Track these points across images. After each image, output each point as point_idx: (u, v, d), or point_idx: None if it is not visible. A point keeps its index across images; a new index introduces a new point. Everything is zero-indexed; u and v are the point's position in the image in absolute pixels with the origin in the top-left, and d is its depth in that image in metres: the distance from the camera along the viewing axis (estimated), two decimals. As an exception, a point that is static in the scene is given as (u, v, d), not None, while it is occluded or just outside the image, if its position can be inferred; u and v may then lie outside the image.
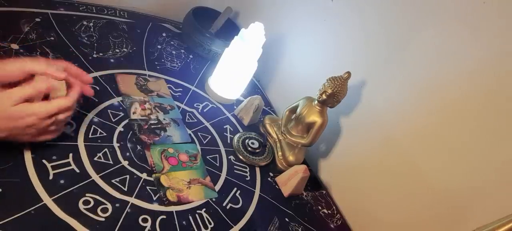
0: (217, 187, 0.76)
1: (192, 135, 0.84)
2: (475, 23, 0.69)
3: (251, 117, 0.96)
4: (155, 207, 0.65)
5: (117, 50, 0.91)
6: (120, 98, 0.80)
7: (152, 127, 0.79)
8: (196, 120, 0.89)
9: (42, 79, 0.55)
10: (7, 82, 0.55)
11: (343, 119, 0.94)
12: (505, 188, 0.65)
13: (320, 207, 0.88)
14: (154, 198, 0.66)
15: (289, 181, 0.83)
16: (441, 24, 0.74)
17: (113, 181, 0.65)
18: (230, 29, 1.15)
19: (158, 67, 0.95)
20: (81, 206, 0.58)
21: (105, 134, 0.71)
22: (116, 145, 0.70)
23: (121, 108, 0.78)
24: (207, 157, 0.81)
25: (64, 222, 0.55)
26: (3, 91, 0.52)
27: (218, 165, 0.81)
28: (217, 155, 0.84)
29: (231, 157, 0.86)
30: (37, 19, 0.84)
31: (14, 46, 0.74)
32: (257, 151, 0.89)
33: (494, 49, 0.66)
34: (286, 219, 0.79)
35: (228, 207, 0.74)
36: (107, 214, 0.60)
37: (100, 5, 1.02)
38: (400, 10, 0.82)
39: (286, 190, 0.85)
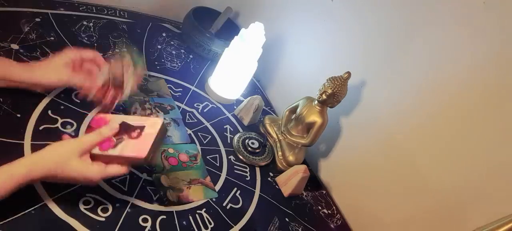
0: (217, 187, 0.76)
1: (192, 135, 0.84)
2: (475, 24, 0.69)
3: (251, 117, 0.96)
4: (155, 207, 0.65)
5: (117, 50, 0.91)
6: (120, 98, 0.80)
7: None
8: (196, 120, 0.89)
9: (109, 126, 0.58)
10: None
11: (343, 119, 0.94)
12: (505, 188, 0.65)
13: (320, 207, 0.88)
14: (154, 198, 0.66)
15: (289, 181, 0.84)
16: (441, 24, 0.74)
17: (113, 181, 0.64)
18: (230, 29, 1.15)
19: (158, 67, 0.95)
20: (81, 206, 0.58)
21: (105, 134, 0.71)
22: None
23: (121, 108, 0.78)
24: (207, 157, 0.81)
25: (64, 222, 0.56)
26: (72, 141, 0.55)
27: (218, 165, 0.81)
28: (217, 155, 0.84)
29: (231, 157, 0.86)
30: (37, 19, 0.84)
31: (14, 46, 0.74)
32: (257, 151, 0.89)
33: (494, 49, 0.66)
34: (286, 219, 0.79)
35: (228, 207, 0.74)
36: (107, 214, 0.60)
37: (100, 5, 1.02)
38: (400, 10, 0.82)
39: (286, 190, 0.85)
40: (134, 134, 0.58)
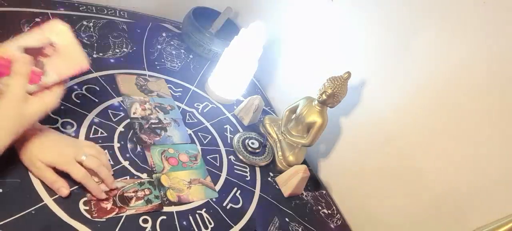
0: (217, 187, 0.76)
1: (192, 135, 0.84)
2: (476, 24, 0.69)
3: (251, 117, 0.96)
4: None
5: (117, 50, 0.91)
6: (120, 99, 0.80)
7: (153, 126, 0.79)
8: (196, 120, 0.89)
9: (21, 62, 0.53)
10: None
11: (343, 119, 0.94)
12: (505, 188, 0.66)
13: (320, 207, 0.88)
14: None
15: (289, 181, 0.84)
16: (442, 24, 0.74)
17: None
18: (230, 29, 1.15)
19: (158, 67, 0.95)
20: (82, 206, 0.58)
21: (105, 134, 0.71)
22: (116, 145, 0.70)
23: (121, 108, 0.78)
24: (207, 157, 0.81)
25: (65, 222, 0.55)
26: (6, 98, 0.52)
27: (218, 165, 0.81)
28: (217, 155, 0.84)
29: (231, 157, 0.86)
30: (37, 19, 0.83)
31: (14, 46, 0.74)
32: (257, 151, 0.89)
33: (495, 49, 0.66)
34: (286, 219, 0.79)
35: (228, 207, 0.74)
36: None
37: (100, 5, 1.01)
38: (400, 10, 0.82)
39: (286, 190, 0.85)
40: (49, 51, 0.55)
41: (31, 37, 0.55)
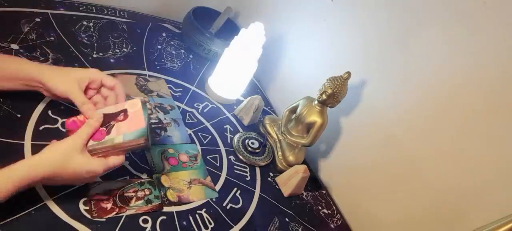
0: (217, 187, 0.76)
1: (192, 135, 0.84)
2: (475, 24, 0.69)
3: (251, 117, 0.96)
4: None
5: (117, 50, 0.91)
6: (120, 99, 0.80)
7: (153, 126, 0.79)
8: (196, 120, 0.89)
9: (93, 116, 0.58)
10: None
11: (343, 119, 0.94)
12: (505, 188, 0.66)
13: (320, 207, 0.88)
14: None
15: (289, 181, 0.84)
16: (442, 24, 0.74)
17: (113, 181, 0.65)
18: (230, 29, 1.15)
19: (158, 67, 0.95)
20: (82, 206, 0.58)
21: (105, 134, 0.71)
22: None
23: (121, 108, 0.78)
24: (207, 157, 0.81)
25: (65, 222, 0.55)
26: (69, 138, 0.54)
27: (218, 165, 0.81)
28: (217, 155, 0.84)
29: (231, 157, 0.86)
30: (37, 19, 0.83)
31: (14, 46, 0.74)
32: (257, 151, 0.89)
33: (495, 49, 0.66)
34: (286, 219, 0.79)
35: (228, 207, 0.74)
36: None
37: (100, 5, 1.01)
38: (400, 10, 0.82)
39: (286, 190, 0.85)
40: (120, 117, 0.60)
41: (110, 108, 0.61)
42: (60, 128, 0.67)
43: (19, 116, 0.64)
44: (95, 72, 0.64)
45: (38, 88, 0.62)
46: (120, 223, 0.59)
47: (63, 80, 0.61)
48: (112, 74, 0.84)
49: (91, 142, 0.56)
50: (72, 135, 0.55)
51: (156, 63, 0.96)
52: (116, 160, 0.57)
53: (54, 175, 0.51)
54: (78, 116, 0.60)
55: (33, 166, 0.49)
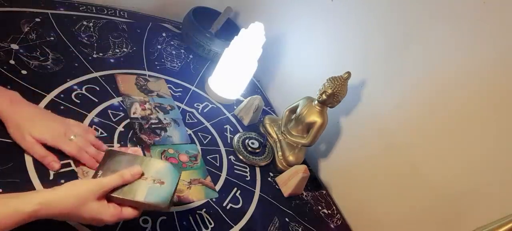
0: (217, 187, 0.76)
1: (192, 135, 0.84)
2: (475, 24, 0.69)
3: (251, 117, 0.96)
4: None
5: (117, 50, 0.91)
6: (120, 99, 0.80)
7: (153, 126, 0.79)
8: (196, 120, 0.89)
9: (131, 169, 0.56)
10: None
11: (343, 119, 0.94)
12: (505, 188, 0.66)
13: (320, 207, 0.88)
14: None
15: (289, 181, 0.84)
16: (441, 24, 0.74)
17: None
18: (230, 29, 1.15)
19: (158, 67, 0.95)
20: (82, 206, 0.58)
21: (105, 134, 0.71)
22: (116, 145, 0.70)
23: (121, 108, 0.78)
24: (207, 157, 0.81)
25: (65, 222, 0.55)
26: (93, 182, 0.52)
27: (218, 165, 0.81)
28: (217, 155, 0.84)
29: (231, 157, 0.86)
30: (37, 19, 0.83)
31: (14, 46, 0.74)
32: (257, 151, 0.89)
33: (495, 49, 0.66)
34: (286, 219, 0.79)
35: (228, 207, 0.74)
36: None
37: (100, 5, 1.02)
38: (400, 10, 0.82)
39: (286, 190, 0.85)
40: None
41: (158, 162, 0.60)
42: (60, 128, 0.67)
43: (19, 116, 0.64)
44: (51, 136, 0.59)
45: None
46: (120, 223, 0.59)
47: (16, 129, 0.57)
48: (112, 74, 0.84)
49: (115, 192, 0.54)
50: (97, 180, 0.53)
51: (156, 63, 0.96)
52: (130, 213, 0.54)
53: (63, 217, 0.49)
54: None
55: (45, 204, 0.45)
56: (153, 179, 0.57)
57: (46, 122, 0.60)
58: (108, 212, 0.51)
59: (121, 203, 0.54)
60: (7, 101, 0.58)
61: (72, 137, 0.61)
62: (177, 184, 0.58)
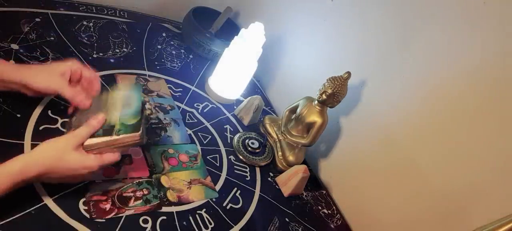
0: (217, 187, 0.76)
1: (192, 135, 0.84)
2: (475, 24, 0.69)
3: (251, 117, 0.96)
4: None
5: (117, 50, 0.91)
6: (120, 99, 0.80)
7: (153, 126, 0.78)
8: (196, 120, 0.89)
9: (95, 117, 0.58)
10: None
11: (343, 119, 0.94)
12: (505, 188, 0.65)
13: (320, 207, 0.88)
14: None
15: (289, 181, 0.84)
16: (441, 25, 0.74)
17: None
18: (230, 29, 1.15)
19: (158, 67, 0.95)
20: (81, 206, 0.58)
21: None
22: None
23: (121, 108, 0.78)
24: (207, 157, 0.81)
25: (65, 222, 0.55)
26: (65, 135, 0.55)
27: (218, 165, 0.81)
28: (217, 155, 0.84)
29: (231, 157, 0.86)
30: (37, 19, 0.84)
31: (14, 46, 0.74)
32: (257, 151, 0.89)
33: (494, 49, 0.66)
34: (286, 219, 0.79)
35: (228, 207, 0.74)
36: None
37: (100, 5, 1.02)
38: (400, 10, 0.82)
39: (286, 190, 0.85)
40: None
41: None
42: (60, 127, 0.67)
43: (19, 116, 0.64)
44: (75, 64, 0.64)
45: (17, 89, 0.61)
46: (120, 223, 0.59)
47: (46, 78, 0.61)
48: (112, 74, 0.84)
49: (88, 140, 0.56)
50: (69, 133, 0.56)
51: (156, 63, 0.96)
52: (111, 156, 0.57)
53: (50, 170, 0.51)
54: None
55: (28, 161, 0.50)
56: (120, 114, 0.60)
57: (59, 62, 0.65)
58: (90, 158, 0.55)
59: (98, 150, 0.56)
60: (12, 65, 0.63)
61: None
62: (142, 107, 0.61)
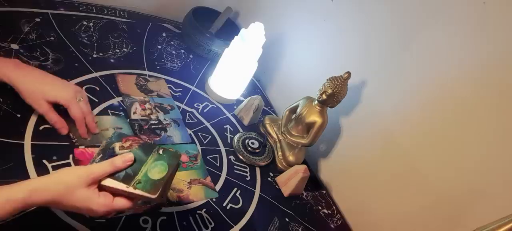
0: (217, 187, 0.76)
1: (192, 135, 0.84)
2: (475, 24, 0.69)
3: (251, 117, 0.96)
4: (155, 207, 0.65)
5: (117, 50, 0.91)
6: (120, 98, 0.80)
7: (153, 127, 0.79)
8: (196, 120, 0.89)
9: (123, 156, 0.53)
10: None
11: (343, 119, 0.94)
12: (505, 188, 0.66)
13: (320, 207, 0.88)
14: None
15: (289, 181, 0.84)
16: (442, 25, 0.74)
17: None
18: (230, 29, 1.15)
19: (158, 67, 0.95)
20: (82, 206, 0.58)
21: (105, 134, 0.71)
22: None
23: (121, 108, 0.78)
24: (207, 157, 0.81)
25: (65, 222, 0.55)
26: (83, 169, 0.50)
27: (218, 165, 0.81)
28: (217, 155, 0.84)
29: (231, 157, 0.86)
30: (37, 19, 0.83)
31: (14, 46, 0.74)
32: (257, 151, 0.89)
33: (495, 49, 0.66)
34: (286, 219, 0.79)
35: (228, 207, 0.74)
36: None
37: (100, 5, 1.02)
38: (400, 10, 0.82)
39: (286, 190, 0.85)
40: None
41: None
42: (60, 128, 0.67)
43: (19, 116, 0.64)
44: (64, 95, 0.64)
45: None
46: (120, 223, 0.59)
47: (34, 99, 0.63)
48: (112, 74, 0.84)
49: (106, 180, 0.52)
50: (87, 167, 0.51)
51: (156, 63, 0.96)
52: (122, 204, 0.52)
53: (54, 203, 0.48)
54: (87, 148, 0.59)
55: (34, 190, 0.46)
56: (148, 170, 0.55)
57: (57, 82, 0.66)
58: (98, 201, 0.49)
59: (113, 192, 0.52)
60: (11, 66, 0.62)
61: (80, 99, 0.67)
62: (171, 174, 0.55)
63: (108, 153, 0.55)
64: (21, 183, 0.46)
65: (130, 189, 0.51)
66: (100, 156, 0.54)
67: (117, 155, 0.55)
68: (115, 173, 0.52)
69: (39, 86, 0.63)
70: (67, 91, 0.65)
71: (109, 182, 0.51)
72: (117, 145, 0.56)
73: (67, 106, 0.65)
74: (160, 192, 0.52)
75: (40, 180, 0.48)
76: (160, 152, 0.57)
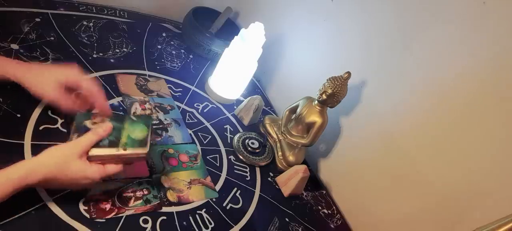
0: (217, 187, 0.76)
1: (192, 135, 0.84)
2: (476, 24, 0.69)
3: (251, 117, 0.96)
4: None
5: (117, 50, 0.91)
6: (120, 98, 0.80)
7: (154, 127, 0.78)
8: (196, 120, 0.89)
9: (102, 125, 0.57)
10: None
11: (343, 119, 0.94)
12: (505, 188, 0.65)
13: (320, 207, 0.88)
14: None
15: (289, 181, 0.84)
16: (441, 24, 0.74)
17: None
18: (230, 29, 1.15)
19: (158, 67, 0.95)
20: (82, 207, 0.58)
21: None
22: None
23: (121, 108, 0.78)
24: (207, 157, 0.81)
25: (65, 222, 0.55)
26: (70, 143, 0.54)
27: (218, 165, 0.81)
28: (217, 155, 0.84)
29: (231, 157, 0.86)
30: (37, 19, 0.83)
31: (14, 46, 0.74)
32: (257, 151, 0.89)
33: (495, 49, 0.66)
34: (286, 219, 0.79)
35: (228, 207, 0.74)
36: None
37: (100, 5, 1.02)
38: (400, 10, 0.82)
39: (286, 190, 0.85)
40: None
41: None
42: (60, 128, 0.67)
43: (19, 116, 0.64)
44: (73, 72, 0.64)
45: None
46: (120, 223, 0.59)
47: (42, 85, 0.62)
48: (112, 74, 0.84)
49: (92, 150, 0.55)
50: (74, 140, 0.54)
51: (156, 63, 0.96)
52: (114, 168, 0.56)
53: (51, 178, 0.51)
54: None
55: (31, 168, 0.49)
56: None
57: (60, 66, 0.65)
58: (92, 169, 0.54)
59: (103, 161, 0.56)
60: (14, 63, 0.64)
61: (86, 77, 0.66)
62: (150, 133, 0.60)
63: (83, 130, 0.57)
64: (17, 165, 0.49)
65: (121, 151, 0.56)
66: (76, 135, 0.56)
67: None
68: (99, 142, 0.56)
69: (46, 73, 0.63)
70: (73, 70, 0.65)
71: (99, 151, 0.55)
72: (88, 122, 0.59)
73: (78, 83, 0.64)
74: (148, 147, 0.58)
75: (33, 159, 0.51)
76: (133, 117, 0.62)
